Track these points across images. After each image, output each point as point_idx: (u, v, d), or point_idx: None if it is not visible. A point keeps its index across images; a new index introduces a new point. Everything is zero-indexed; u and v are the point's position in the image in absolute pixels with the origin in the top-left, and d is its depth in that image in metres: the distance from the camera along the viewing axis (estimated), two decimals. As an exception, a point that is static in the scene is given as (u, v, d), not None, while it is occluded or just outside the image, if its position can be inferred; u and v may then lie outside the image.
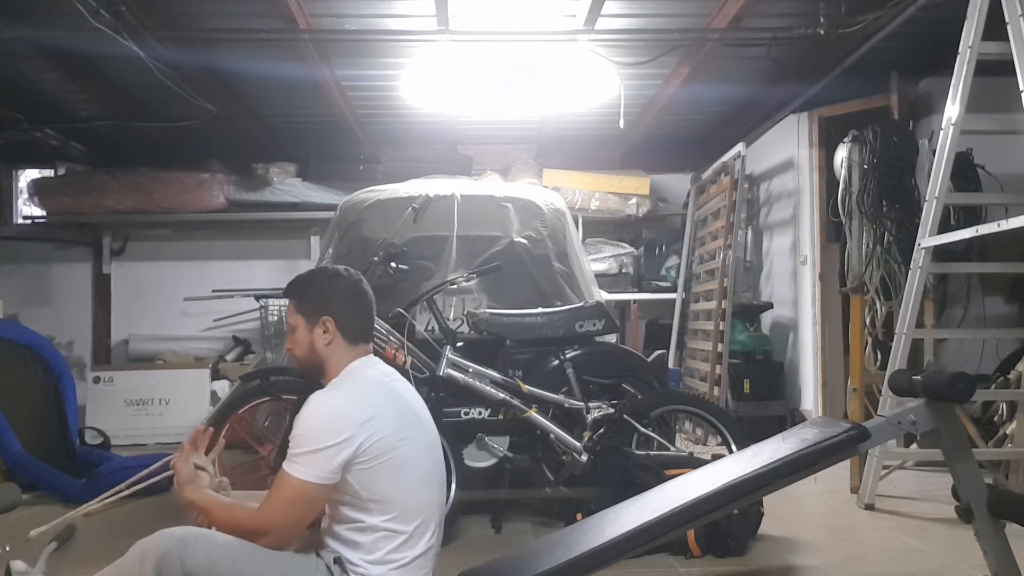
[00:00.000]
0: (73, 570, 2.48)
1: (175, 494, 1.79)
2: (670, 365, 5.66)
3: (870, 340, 3.96)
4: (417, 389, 2.04)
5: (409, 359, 3.05)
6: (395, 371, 1.97)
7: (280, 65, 4.36)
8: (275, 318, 5.46)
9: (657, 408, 3.22)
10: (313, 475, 1.65)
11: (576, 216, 5.11)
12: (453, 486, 2.96)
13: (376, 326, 3.12)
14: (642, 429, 3.13)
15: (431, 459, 1.85)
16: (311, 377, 2.03)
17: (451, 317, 3.42)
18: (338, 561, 1.72)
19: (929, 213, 3.23)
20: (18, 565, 2.03)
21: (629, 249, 6.05)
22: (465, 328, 3.34)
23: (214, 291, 6.23)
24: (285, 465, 1.68)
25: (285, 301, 1.98)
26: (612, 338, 3.66)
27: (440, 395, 3.09)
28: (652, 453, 3.11)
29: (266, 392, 3.34)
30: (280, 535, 1.67)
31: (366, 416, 1.72)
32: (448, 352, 3.14)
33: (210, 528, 1.71)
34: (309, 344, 1.86)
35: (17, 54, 4.29)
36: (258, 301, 5.68)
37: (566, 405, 3.21)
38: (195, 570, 1.54)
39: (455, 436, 3.09)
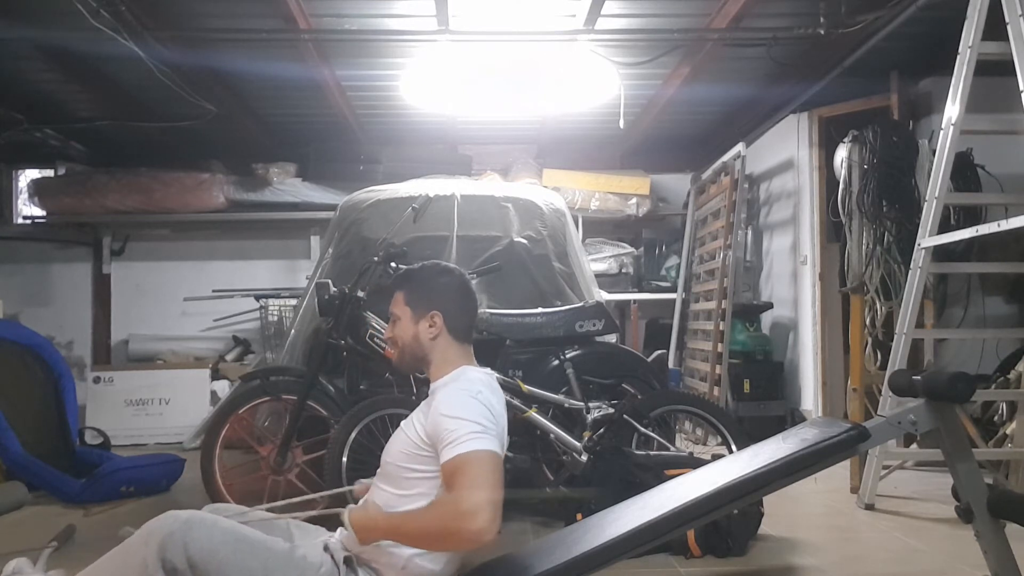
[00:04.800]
0: (73, 570, 2.47)
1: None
2: (670, 365, 5.66)
3: (870, 340, 3.96)
4: (417, 389, 2.05)
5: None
6: None
7: (280, 65, 4.36)
8: (275, 318, 5.47)
9: (657, 408, 3.21)
10: (496, 445, 1.66)
11: (576, 216, 5.11)
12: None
13: (375, 325, 3.13)
14: (642, 429, 3.12)
15: None
16: (407, 370, 2.04)
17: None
18: (348, 561, 1.72)
19: (929, 213, 3.23)
20: (18, 564, 2.03)
21: (629, 249, 6.05)
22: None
23: (214, 291, 6.23)
24: (463, 447, 1.62)
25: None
26: (612, 338, 3.66)
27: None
28: (652, 453, 3.11)
29: (266, 392, 3.35)
30: (492, 512, 1.56)
31: (502, 415, 1.78)
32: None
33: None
34: (413, 336, 1.89)
35: (17, 54, 4.29)
36: (258, 301, 5.68)
37: (566, 405, 3.20)
38: (197, 553, 1.54)
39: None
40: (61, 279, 6.37)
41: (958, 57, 3.10)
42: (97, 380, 5.54)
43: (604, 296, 4.14)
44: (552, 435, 3.09)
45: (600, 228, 6.21)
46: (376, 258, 3.19)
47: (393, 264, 3.13)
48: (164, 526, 1.57)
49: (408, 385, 3.22)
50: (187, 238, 6.35)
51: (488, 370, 1.94)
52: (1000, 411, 3.77)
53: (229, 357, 6.01)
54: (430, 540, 1.66)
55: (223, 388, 5.56)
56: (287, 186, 5.83)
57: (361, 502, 1.87)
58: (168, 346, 6.11)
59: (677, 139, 6.24)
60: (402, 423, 1.92)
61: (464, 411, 1.69)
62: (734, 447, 3.12)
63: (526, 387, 3.16)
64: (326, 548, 1.76)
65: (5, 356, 3.89)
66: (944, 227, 3.33)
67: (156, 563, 1.52)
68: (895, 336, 3.36)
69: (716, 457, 2.68)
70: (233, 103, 5.01)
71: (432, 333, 1.88)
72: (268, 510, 1.93)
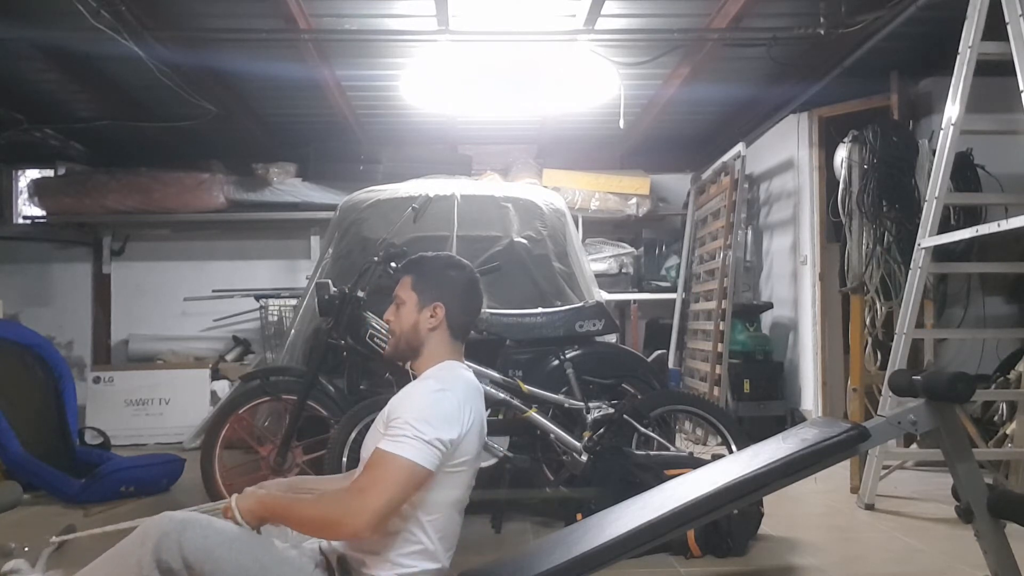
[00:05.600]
0: (73, 570, 2.47)
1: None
2: (670, 365, 5.66)
3: (870, 340, 3.96)
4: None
5: (409, 359, 3.05)
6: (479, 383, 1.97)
7: (280, 65, 4.36)
8: (275, 318, 5.47)
9: (657, 408, 3.21)
10: (424, 457, 1.62)
11: (576, 216, 5.11)
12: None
13: (375, 325, 3.13)
14: (642, 429, 3.12)
15: (475, 477, 1.87)
16: (397, 358, 2.03)
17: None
18: (341, 560, 1.72)
19: (929, 213, 3.23)
20: (16, 564, 2.03)
21: (629, 249, 6.05)
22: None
23: (214, 291, 6.23)
24: (389, 445, 1.63)
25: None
26: (612, 338, 3.66)
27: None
28: (652, 453, 3.11)
29: (266, 392, 3.35)
30: (371, 518, 1.57)
31: (468, 420, 1.74)
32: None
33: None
34: (413, 323, 1.87)
35: (17, 54, 4.29)
36: (258, 301, 5.68)
37: (566, 405, 3.20)
38: (192, 554, 1.53)
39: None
40: (61, 279, 6.37)
41: (958, 57, 3.10)
42: (97, 380, 5.54)
43: (604, 296, 4.15)
44: (552, 435, 3.09)
45: (600, 228, 6.21)
46: (376, 258, 3.19)
47: (393, 264, 3.13)
48: (159, 527, 1.56)
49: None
50: (187, 238, 6.35)
51: (479, 370, 1.93)
52: (1000, 411, 3.77)
53: (229, 357, 6.01)
54: (312, 526, 1.65)
55: (223, 388, 5.56)
56: (287, 186, 5.82)
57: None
58: (168, 346, 6.11)
59: (677, 139, 6.24)
60: (377, 416, 1.91)
61: (412, 411, 1.68)
62: (734, 447, 3.12)
63: (526, 387, 3.15)
64: (321, 549, 1.76)
65: (5, 356, 3.88)
66: (944, 227, 3.33)
67: (151, 563, 1.52)
68: (895, 336, 3.36)
69: (716, 457, 2.68)
70: (233, 103, 5.01)
71: (432, 324, 1.87)
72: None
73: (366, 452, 1.85)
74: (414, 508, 1.69)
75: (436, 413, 1.69)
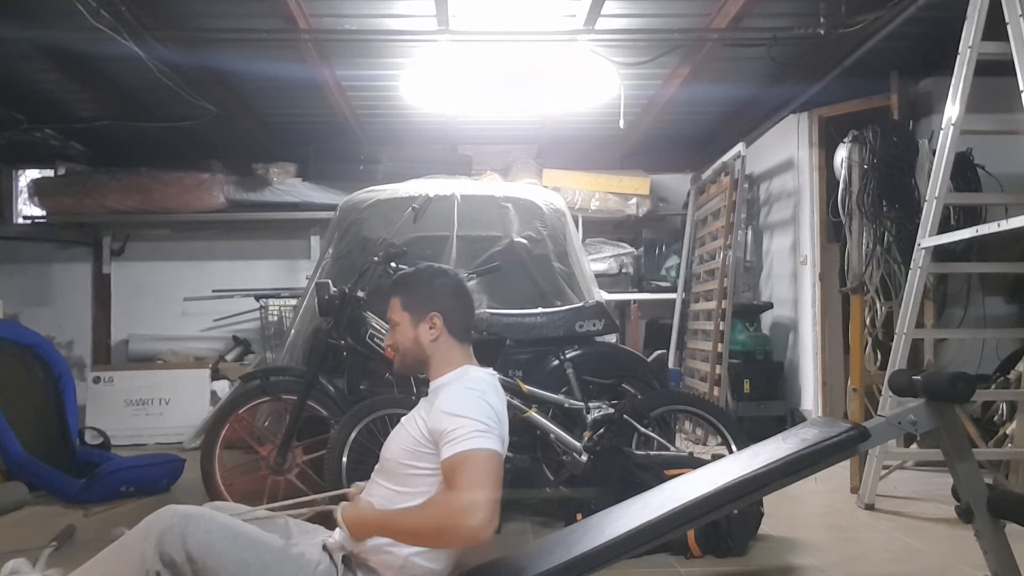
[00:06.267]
0: (73, 569, 2.47)
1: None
2: (670, 365, 5.66)
3: (870, 340, 3.96)
4: (417, 389, 2.05)
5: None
6: None
7: (280, 65, 4.36)
8: (275, 318, 5.47)
9: (657, 408, 3.21)
10: (498, 445, 1.68)
11: (576, 216, 5.11)
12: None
13: (375, 325, 3.13)
14: (642, 429, 3.12)
15: None
16: (408, 373, 2.07)
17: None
18: (346, 559, 1.72)
19: (929, 213, 3.23)
20: (16, 564, 2.03)
21: (629, 249, 6.05)
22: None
23: (214, 291, 6.23)
24: (466, 444, 1.64)
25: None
26: (612, 338, 3.66)
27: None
28: (652, 453, 3.10)
29: (266, 392, 3.35)
30: (488, 511, 1.56)
31: (504, 415, 1.79)
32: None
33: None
34: (414, 340, 1.90)
35: (17, 54, 4.29)
36: (258, 301, 5.68)
37: (566, 405, 3.20)
38: (195, 547, 1.55)
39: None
40: (61, 279, 6.37)
41: (958, 57, 3.10)
42: (97, 380, 5.54)
43: (604, 296, 4.14)
44: (552, 435, 3.09)
45: (600, 228, 6.21)
46: (376, 258, 3.19)
47: (393, 264, 3.14)
48: (162, 520, 1.58)
49: (408, 385, 3.22)
50: (187, 238, 6.35)
51: (491, 370, 1.95)
52: (1000, 411, 3.77)
53: (229, 357, 6.01)
54: (426, 537, 1.66)
55: (223, 388, 5.56)
56: (287, 186, 5.82)
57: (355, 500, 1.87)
58: (168, 346, 6.11)
59: (677, 139, 6.24)
60: (403, 419, 1.92)
61: (467, 409, 1.70)
62: (734, 447, 3.12)
63: (526, 387, 3.16)
64: (324, 547, 1.76)
65: (5, 356, 3.89)
66: (944, 227, 3.33)
67: (154, 557, 1.53)
68: (895, 336, 3.36)
69: (716, 457, 2.68)
70: (233, 103, 5.01)
71: (432, 335, 1.89)
72: (268, 510, 1.93)
73: (388, 453, 1.87)
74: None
75: (488, 409, 1.73)
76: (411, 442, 1.79)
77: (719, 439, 3.30)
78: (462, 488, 1.60)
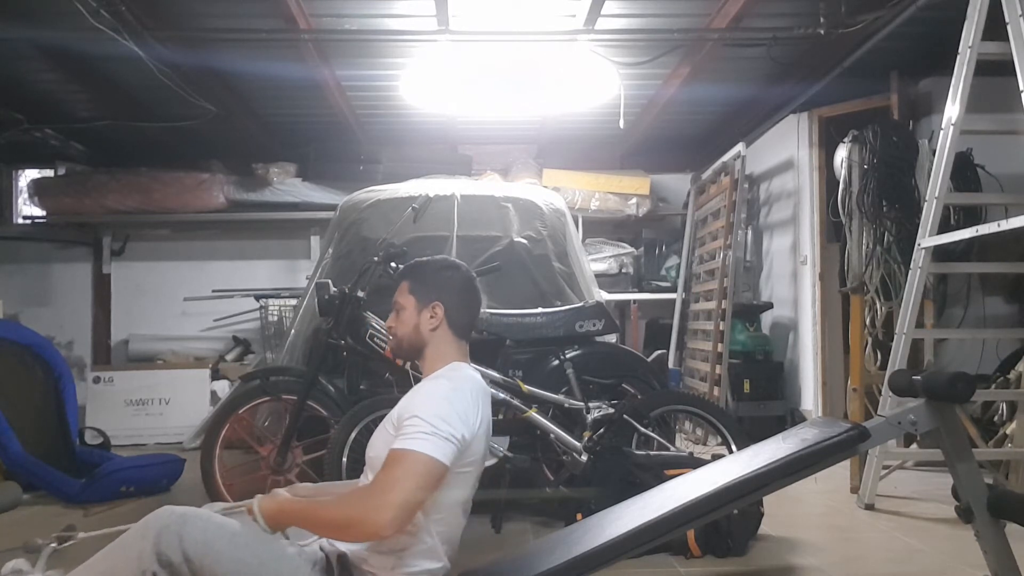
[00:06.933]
0: (72, 568, 2.47)
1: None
2: (670, 365, 5.66)
3: (870, 340, 3.96)
4: (417, 389, 2.03)
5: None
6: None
7: (280, 65, 4.36)
8: (275, 318, 5.47)
9: (657, 408, 3.21)
10: (443, 453, 1.63)
11: (576, 216, 5.11)
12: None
13: (375, 325, 3.13)
14: (642, 429, 3.12)
15: (478, 481, 1.89)
16: (402, 356, 2.06)
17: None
18: (342, 558, 1.72)
19: (929, 213, 3.23)
20: (17, 564, 2.03)
21: (629, 249, 6.05)
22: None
23: (214, 291, 6.23)
24: (405, 443, 1.63)
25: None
26: (612, 338, 3.66)
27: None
28: (652, 453, 3.11)
29: (266, 392, 3.35)
30: (394, 515, 1.56)
31: (479, 420, 1.77)
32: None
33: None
34: (414, 326, 1.90)
35: (17, 54, 4.29)
36: (258, 301, 5.68)
37: (566, 405, 3.20)
38: (192, 547, 1.54)
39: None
40: (61, 279, 6.37)
41: (958, 57, 3.10)
42: (97, 380, 5.54)
43: (604, 296, 4.14)
44: (552, 435, 3.09)
45: (600, 228, 6.21)
46: (376, 258, 3.19)
47: (393, 264, 3.13)
48: (159, 520, 1.57)
49: (409, 385, 3.22)
50: (187, 238, 6.35)
51: (480, 370, 1.95)
52: (1000, 411, 3.77)
53: (229, 357, 6.01)
54: (335, 529, 1.65)
55: (223, 388, 5.56)
56: (287, 186, 5.83)
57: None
58: (168, 346, 6.11)
59: (677, 139, 6.24)
60: (386, 416, 1.91)
61: (427, 408, 1.69)
62: (734, 447, 3.12)
63: (526, 387, 3.16)
64: (321, 547, 1.76)
65: (5, 356, 3.88)
66: (944, 227, 3.33)
67: (152, 557, 1.53)
68: (895, 336, 3.36)
69: (716, 457, 2.68)
70: (233, 103, 5.01)
71: (432, 324, 1.89)
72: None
73: (372, 452, 1.86)
74: (423, 509, 1.70)
75: (451, 410, 1.70)
76: (389, 438, 1.78)
77: (719, 439, 3.31)
78: (380, 485, 1.60)
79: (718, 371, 5.03)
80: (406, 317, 1.92)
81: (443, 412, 1.68)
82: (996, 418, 3.79)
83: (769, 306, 5.55)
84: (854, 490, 3.62)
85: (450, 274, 1.98)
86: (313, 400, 3.22)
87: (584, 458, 3.04)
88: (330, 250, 3.87)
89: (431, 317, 1.89)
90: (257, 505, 1.67)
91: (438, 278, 1.95)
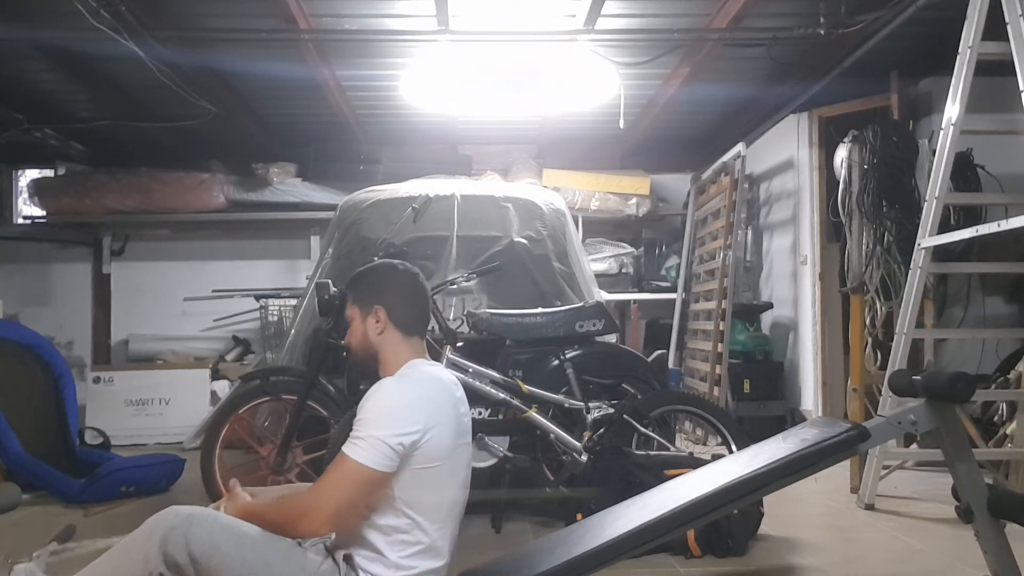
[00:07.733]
0: (73, 570, 2.48)
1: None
2: (670, 365, 5.66)
3: (870, 340, 3.96)
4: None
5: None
6: (454, 377, 2.00)
7: (280, 65, 4.36)
8: (275, 318, 5.47)
9: (657, 408, 3.21)
10: (374, 460, 1.65)
11: (576, 216, 5.11)
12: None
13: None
14: (642, 429, 3.12)
15: (466, 473, 1.90)
16: (362, 367, 2.06)
17: (451, 317, 3.42)
18: (347, 558, 1.73)
19: (929, 213, 3.23)
20: (27, 568, 2.04)
21: (629, 249, 6.05)
22: (465, 328, 3.34)
23: (214, 291, 6.23)
24: (346, 447, 1.68)
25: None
26: (612, 338, 3.66)
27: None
28: (652, 453, 3.11)
29: (266, 392, 3.35)
30: (325, 517, 1.64)
31: (434, 416, 1.76)
32: (448, 352, 3.13)
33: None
34: (363, 334, 1.91)
35: (17, 54, 4.29)
36: (258, 301, 5.68)
37: (566, 405, 3.20)
38: (198, 548, 1.55)
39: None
40: (61, 279, 6.37)
41: (958, 57, 3.10)
42: (97, 380, 5.54)
43: (604, 296, 4.14)
44: (552, 435, 3.09)
45: (600, 228, 6.21)
46: (376, 258, 3.18)
47: (393, 264, 3.13)
48: (166, 521, 1.58)
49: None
50: (187, 238, 6.36)
51: (449, 375, 1.97)
52: (1000, 411, 3.77)
53: (229, 357, 6.01)
54: (279, 527, 1.69)
55: (223, 388, 5.56)
56: (287, 186, 5.83)
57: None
58: (168, 346, 6.11)
59: (677, 139, 6.24)
60: None
61: (367, 411, 1.72)
62: (734, 447, 3.12)
63: (526, 387, 3.16)
64: (326, 547, 1.76)
65: (5, 356, 3.88)
66: (944, 227, 3.33)
67: (158, 557, 1.54)
68: (895, 336, 3.36)
69: (716, 457, 2.68)
70: (233, 103, 5.01)
71: (378, 328, 1.89)
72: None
73: None
74: (399, 516, 1.72)
75: (390, 413, 1.71)
76: None
77: (719, 439, 3.31)
78: (317, 489, 1.69)
79: (718, 371, 5.03)
80: (355, 328, 1.93)
81: (381, 416, 1.70)
82: (996, 418, 3.79)
83: (769, 306, 5.55)
84: (854, 490, 3.62)
85: (389, 276, 1.98)
86: (313, 400, 3.22)
87: (584, 458, 3.04)
88: (330, 250, 3.87)
89: (376, 322, 1.89)
90: (223, 507, 1.73)
91: (374, 283, 1.96)
